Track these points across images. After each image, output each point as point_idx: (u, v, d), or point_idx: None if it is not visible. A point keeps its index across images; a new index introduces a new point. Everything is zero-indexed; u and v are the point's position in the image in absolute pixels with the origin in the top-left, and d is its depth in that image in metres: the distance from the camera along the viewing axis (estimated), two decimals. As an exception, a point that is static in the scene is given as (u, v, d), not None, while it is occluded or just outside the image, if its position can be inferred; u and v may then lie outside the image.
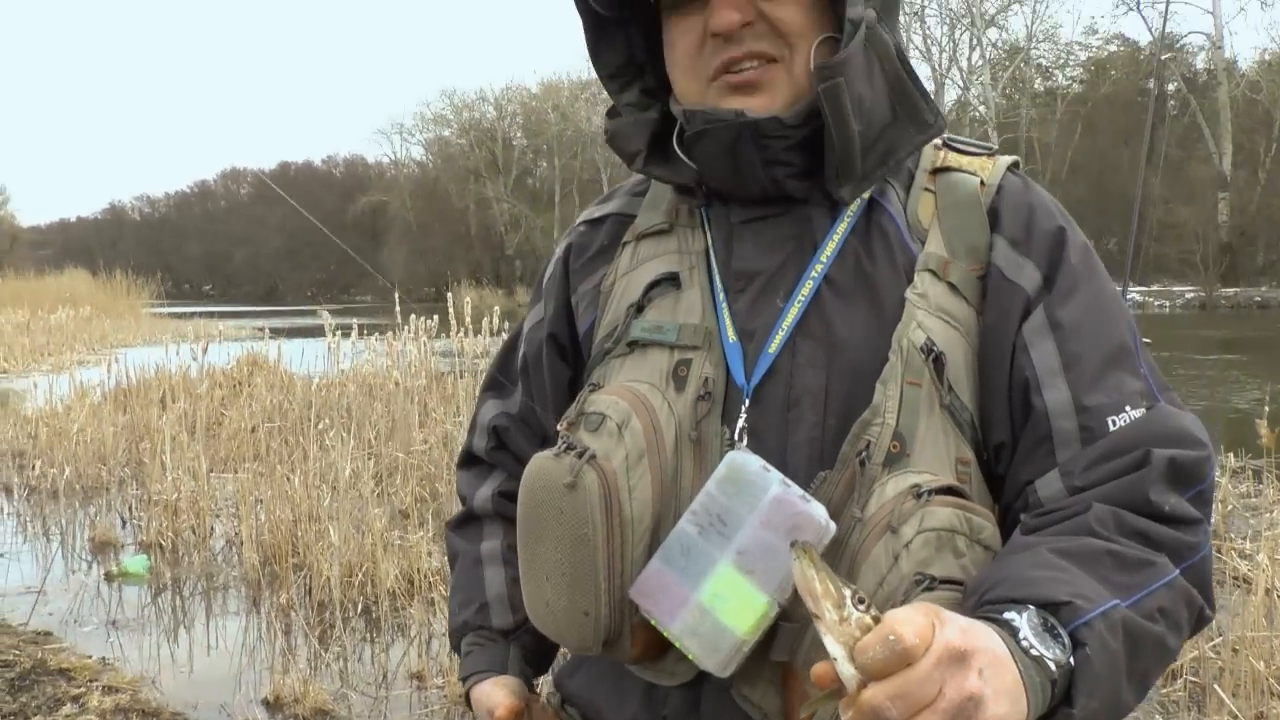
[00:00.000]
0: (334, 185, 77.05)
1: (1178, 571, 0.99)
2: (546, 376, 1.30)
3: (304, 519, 6.18)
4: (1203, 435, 1.07)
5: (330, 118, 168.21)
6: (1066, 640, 0.89)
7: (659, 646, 1.09)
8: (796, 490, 1.03)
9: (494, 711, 1.22)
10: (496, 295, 50.43)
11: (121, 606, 5.74)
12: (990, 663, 0.82)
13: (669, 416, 1.10)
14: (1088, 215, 44.86)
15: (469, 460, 1.44)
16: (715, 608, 1.03)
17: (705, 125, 1.10)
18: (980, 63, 48.49)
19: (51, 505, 7.96)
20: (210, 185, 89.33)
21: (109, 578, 6.20)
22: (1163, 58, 27.50)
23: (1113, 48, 48.50)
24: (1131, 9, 49.96)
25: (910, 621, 0.80)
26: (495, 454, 1.39)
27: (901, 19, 1.31)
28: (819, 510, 1.01)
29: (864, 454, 1.04)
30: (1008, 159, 1.20)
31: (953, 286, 1.11)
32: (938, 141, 1.21)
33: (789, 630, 1.04)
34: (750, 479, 1.04)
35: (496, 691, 1.25)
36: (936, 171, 1.18)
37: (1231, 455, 7.06)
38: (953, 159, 1.19)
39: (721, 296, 1.15)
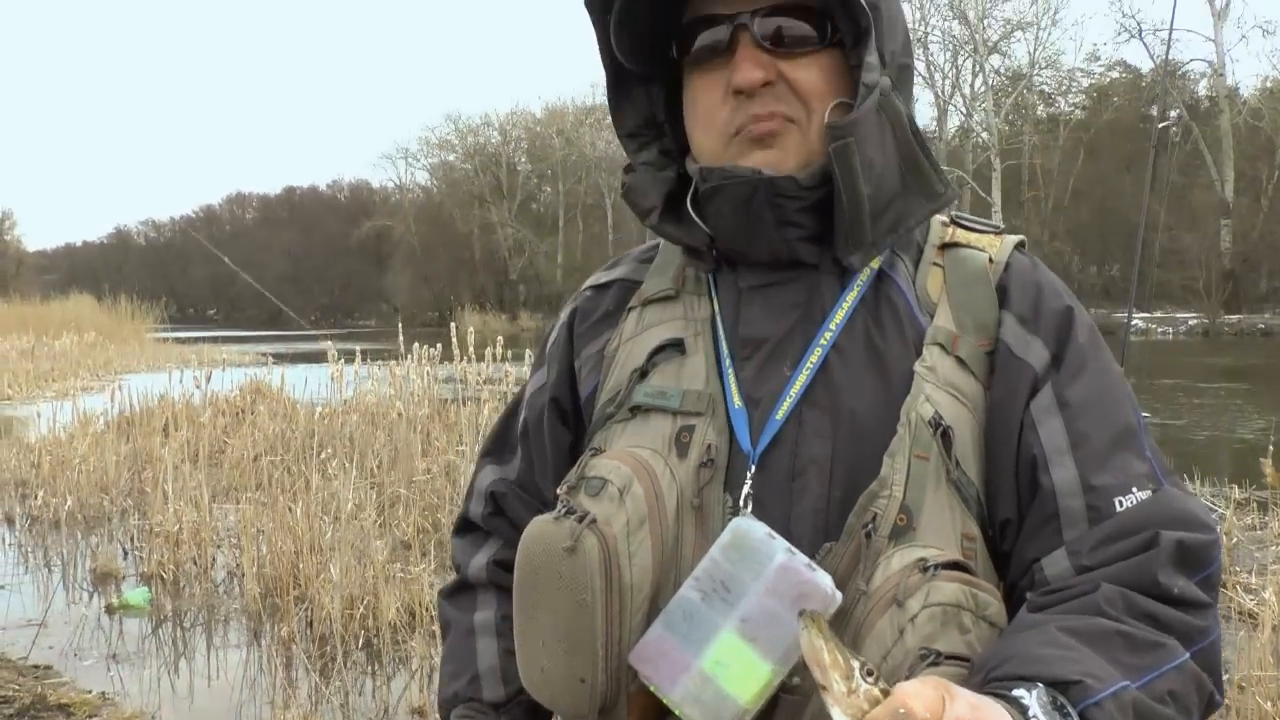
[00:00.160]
0: (339, 210, 77.45)
1: (1188, 655, 0.98)
2: (548, 441, 1.29)
3: (306, 550, 6.16)
4: (1209, 519, 1.06)
5: (335, 142, 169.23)
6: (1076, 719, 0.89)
7: (655, 714, 1.08)
8: (802, 558, 1.02)
9: None
10: (500, 320, 50.55)
11: (122, 639, 5.73)
12: None
13: (671, 483, 1.10)
14: (1090, 241, 45.05)
15: (465, 526, 1.42)
16: (717, 675, 1.02)
17: (722, 181, 1.11)
18: (983, 89, 48.75)
19: (53, 536, 7.95)
20: (215, 210, 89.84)
21: (110, 610, 6.18)
22: (1165, 84, 27.55)
23: (1115, 74, 48.81)
24: (1134, 36, 50.52)
25: (920, 695, 0.80)
26: (492, 520, 1.37)
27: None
28: (825, 579, 1.00)
29: (870, 526, 1.03)
30: (1014, 238, 1.21)
31: (961, 361, 1.11)
32: (945, 218, 1.22)
33: (791, 702, 1.03)
34: (755, 546, 1.03)
35: None
36: (945, 247, 1.19)
37: (1236, 487, 7.03)
38: (961, 235, 1.20)
39: (728, 362, 1.15)
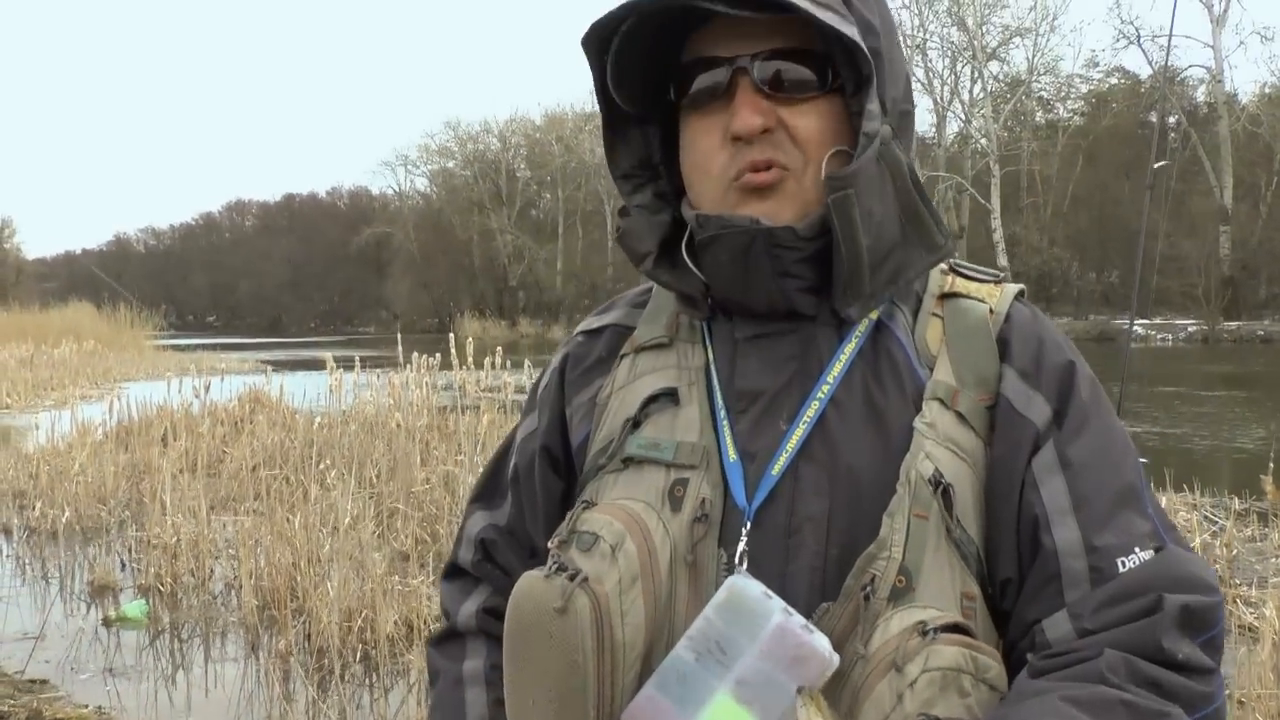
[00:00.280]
0: (338, 217, 77.49)
1: None
2: (538, 489, 1.26)
3: (304, 562, 6.15)
4: (1212, 580, 1.05)
5: (335, 149, 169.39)
6: None
7: None
8: (799, 619, 1.00)
9: None
10: (500, 326, 50.57)
11: (119, 652, 5.70)
12: None
13: (664, 538, 1.07)
14: (1089, 247, 45.06)
15: (454, 572, 1.39)
16: None
17: (719, 230, 1.09)
18: (982, 95, 48.78)
19: (51, 547, 7.94)
20: (215, 217, 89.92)
21: (107, 623, 6.17)
22: (1164, 89, 27.57)
23: (1113, 81, 48.86)
24: (1132, 42, 50.37)
25: None
26: (481, 567, 1.34)
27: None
28: (823, 642, 0.98)
29: (869, 588, 1.01)
30: (1014, 287, 1.19)
31: (961, 416, 1.09)
32: (944, 266, 1.20)
33: None
34: (751, 606, 1.01)
35: None
36: (944, 297, 1.17)
37: (1236, 498, 7.01)
38: (960, 284, 1.18)
39: (723, 415, 1.13)
